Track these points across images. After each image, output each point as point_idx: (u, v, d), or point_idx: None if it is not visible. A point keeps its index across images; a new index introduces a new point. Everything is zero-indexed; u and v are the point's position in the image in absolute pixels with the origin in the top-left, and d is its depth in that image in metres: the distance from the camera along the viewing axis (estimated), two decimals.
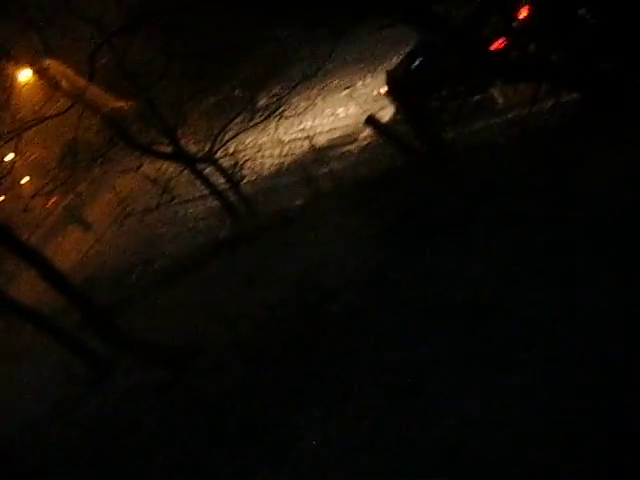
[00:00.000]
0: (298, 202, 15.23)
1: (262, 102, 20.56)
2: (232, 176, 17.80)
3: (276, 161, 19.24)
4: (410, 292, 7.69)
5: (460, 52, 12.89)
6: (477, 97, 14.60)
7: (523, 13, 13.39)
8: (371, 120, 13.09)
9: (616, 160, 7.49)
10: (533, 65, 10.25)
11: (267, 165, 19.49)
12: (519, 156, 9.14)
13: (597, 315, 5.84)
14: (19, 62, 15.95)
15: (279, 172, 18.61)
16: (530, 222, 7.54)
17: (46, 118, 14.78)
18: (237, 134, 18.22)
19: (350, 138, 17.19)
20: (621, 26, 8.87)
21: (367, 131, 15.63)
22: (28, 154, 21.58)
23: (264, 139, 20.16)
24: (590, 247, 6.49)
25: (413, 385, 6.46)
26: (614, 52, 9.11)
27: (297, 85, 19.75)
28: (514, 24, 13.13)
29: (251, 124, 18.82)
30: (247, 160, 18.74)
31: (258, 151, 19.73)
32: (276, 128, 19.68)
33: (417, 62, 15.80)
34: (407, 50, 16.30)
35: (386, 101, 16.01)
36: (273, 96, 20.50)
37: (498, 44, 11.71)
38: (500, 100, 14.39)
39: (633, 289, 5.73)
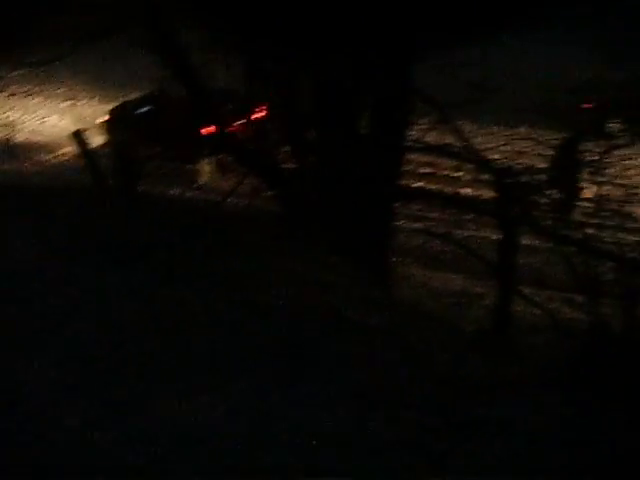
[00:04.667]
0: None
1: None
2: None
3: None
4: None
5: (187, 118, 12.98)
6: (188, 166, 14.70)
7: (260, 113, 13.90)
8: (78, 137, 12.47)
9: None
10: (253, 159, 10.47)
11: None
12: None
13: None
14: None
15: None
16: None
17: None
18: None
19: (48, 147, 16.48)
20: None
21: (68, 149, 15.06)
22: None
23: None
24: None
25: None
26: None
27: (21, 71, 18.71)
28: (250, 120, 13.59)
29: None
30: None
31: None
32: None
33: (144, 109, 15.64)
34: (142, 94, 16.07)
35: (102, 129, 15.62)
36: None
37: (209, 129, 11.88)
38: (203, 178, 14.52)
39: None
